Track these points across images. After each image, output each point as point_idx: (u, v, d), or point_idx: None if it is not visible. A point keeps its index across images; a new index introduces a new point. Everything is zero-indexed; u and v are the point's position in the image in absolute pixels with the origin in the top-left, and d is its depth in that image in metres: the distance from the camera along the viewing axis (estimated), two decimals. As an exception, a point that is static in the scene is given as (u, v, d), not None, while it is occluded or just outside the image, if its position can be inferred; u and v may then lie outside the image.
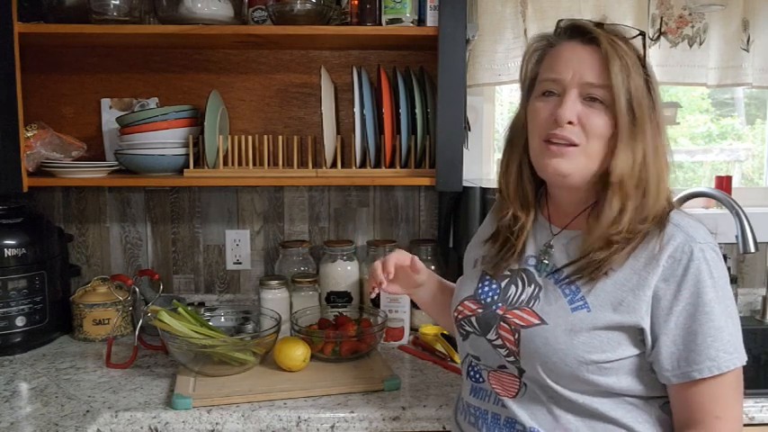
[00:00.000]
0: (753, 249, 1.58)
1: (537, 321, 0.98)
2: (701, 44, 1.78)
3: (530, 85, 1.04)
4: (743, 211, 1.59)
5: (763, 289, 1.90)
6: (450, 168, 1.55)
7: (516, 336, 0.99)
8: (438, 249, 1.81)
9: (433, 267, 1.79)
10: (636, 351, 0.95)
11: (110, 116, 1.77)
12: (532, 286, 1.02)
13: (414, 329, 1.72)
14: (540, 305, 1.00)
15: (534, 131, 1.00)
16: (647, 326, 0.94)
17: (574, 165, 0.96)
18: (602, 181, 0.97)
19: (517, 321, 1.00)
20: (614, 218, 0.95)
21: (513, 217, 1.06)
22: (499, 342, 1.02)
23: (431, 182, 1.58)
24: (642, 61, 0.98)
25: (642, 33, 1.00)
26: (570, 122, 0.95)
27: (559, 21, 1.02)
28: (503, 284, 1.06)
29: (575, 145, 0.96)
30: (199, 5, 1.53)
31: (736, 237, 1.59)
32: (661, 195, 0.97)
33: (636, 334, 0.95)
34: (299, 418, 1.27)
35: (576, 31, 0.98)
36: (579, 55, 0.96)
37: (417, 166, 1.64)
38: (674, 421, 0.98)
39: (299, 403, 1.31)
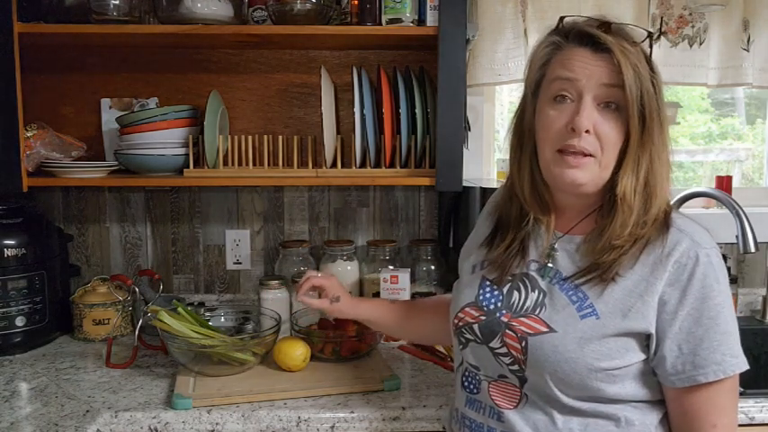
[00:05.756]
0: (753, 249, 1.58)
1: (545, 329, 0.96)
2: (701, 44, 1.78)
3: (536, 87, 1.01)
4: (743, 211, 1.59)
5: (763, 289, 1.90)
6: (450, 168, 1.55)
7: (523, 344, 0.97)
8: (438, 249, 1.81)
9: (433, 267, 1.79)
10: (642, 356, 0.95)
11: (110, 116, 1.77)
12: (536, 292, 1.00)
13: (414, 329, 1.72)
14: (546, 312, 0.98)
15: (546, 140, 0.97)
16: (654, 331, 0.94)
17: (589, 174, 0.95)
18: (611, 186, 0.97)
19: (524, 329, 0.98)
20: (621, 222, 0.95)
21: (535, 220, 1.05)
22: (504, 350, 1.00)
23: (431, 182, 1.58)
24: (649, 61, 0.96)
25: (650, 34, 0.97)
26: (587, 131, 0.93)
27: (562, 18, 0.99)
28: (505, 290, 1.03)
29: (590, 155, 0.94)
30: (199, 5, 1.53)
31: (737, 237, 1.59)
32: (663, 197, 0.97)
33: (643, 339, 0.95)
34: (299, 418, 1.27)
35: (585, 39, 0.95)
36: (593, 62, 0.94)
37: (417, 166, 1.64)
38: (671, 428, 0.98)
39: (299, 403, 1.31)
